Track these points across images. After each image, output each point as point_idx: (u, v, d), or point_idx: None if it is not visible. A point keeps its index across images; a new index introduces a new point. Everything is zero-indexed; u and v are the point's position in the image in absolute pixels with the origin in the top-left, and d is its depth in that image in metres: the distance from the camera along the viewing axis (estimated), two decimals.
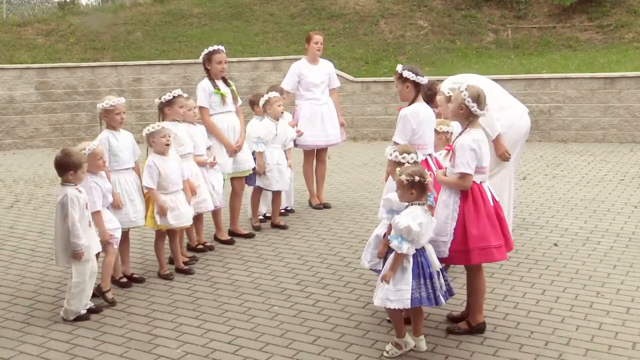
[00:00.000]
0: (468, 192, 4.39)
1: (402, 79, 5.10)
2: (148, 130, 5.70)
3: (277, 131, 7.07)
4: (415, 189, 4.12)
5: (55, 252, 4.97)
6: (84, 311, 4.99)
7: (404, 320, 4.35)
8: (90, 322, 4.91)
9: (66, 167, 4.88)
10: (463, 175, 4.34)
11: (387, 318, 4.75)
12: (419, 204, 4.16)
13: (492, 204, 4.45)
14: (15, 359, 4.41)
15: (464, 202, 4.37)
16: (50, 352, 4.49)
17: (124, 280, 5.68)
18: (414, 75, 5.06)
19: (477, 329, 4.57)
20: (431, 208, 4.21)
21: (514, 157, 6.32)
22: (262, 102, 7.07)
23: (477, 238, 4.31)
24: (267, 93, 7.11)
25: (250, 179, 7.05)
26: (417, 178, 4.10)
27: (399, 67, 5.14)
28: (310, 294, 5.39)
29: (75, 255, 4.86)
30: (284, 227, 7.20)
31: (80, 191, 4.91)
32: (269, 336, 4.62)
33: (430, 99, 5.80)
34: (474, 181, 4.39)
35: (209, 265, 6.14)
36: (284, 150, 7.21)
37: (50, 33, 15.63)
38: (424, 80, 5.13)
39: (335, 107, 8.00)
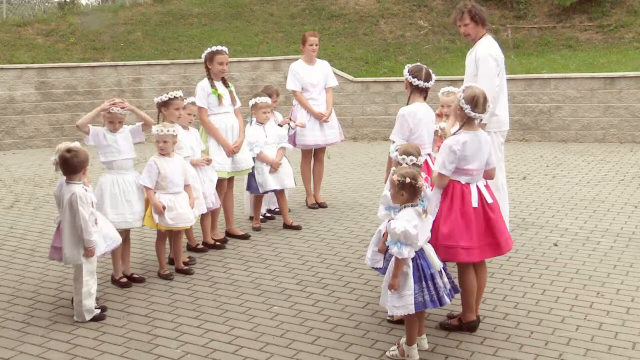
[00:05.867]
0: (447, 191, 4.44)
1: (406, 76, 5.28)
2: (156, 130, 5.74)
3: (266, 132, 7.10)
4: (405, 191, 4.09)
5: (64, 252, 4.93)
6: (97, 310, 5.00)
7: (400, 320, 4.35)
8: (90, 322, 4.91)
9: (79, 167, 4.90)
10: (438, 175, 4.42)
11: (388, 318, 4.77)
12: (412, 206, 4.13)
13: (475, 205, 4.41)
14: (15, 359, 4.41)
15: (443, 200, 4.44)
16: (50, 352, 4.49)
17: (124, 280, 5.68)
18: (410, 76, 5.25)
19: (467, 327, 4.58)
20: (424, 212, 4.17)
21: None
22: (250, 103, 7.12)
23: (444, 236, 4.35)
24: (255, 97, 7.13)
25: (248, 186, 7.10)
26: (407, 180, 4.05)
27: (407, 66, 5.32)
28: (310, 294, 5.39)
29: (87, 252, 4.88)
30: (297, 228, 7.17)
31: (86, 190, 4.92)
32: (269, 336, 4.62)
33: None
34: (458, 181, 4.43)
35: (209, 265, 6.14)
36: (278, 150, 7.16)
37: (50, 33, 15.64)
38: (421, 83, 5.20)
39: (326, 105, 8.01)
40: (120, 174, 5.62)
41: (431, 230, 4.33)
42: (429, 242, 4.30)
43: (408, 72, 5.22)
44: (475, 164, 4.44)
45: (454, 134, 4.50)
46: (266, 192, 7.19)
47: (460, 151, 4.36)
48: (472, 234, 4.39)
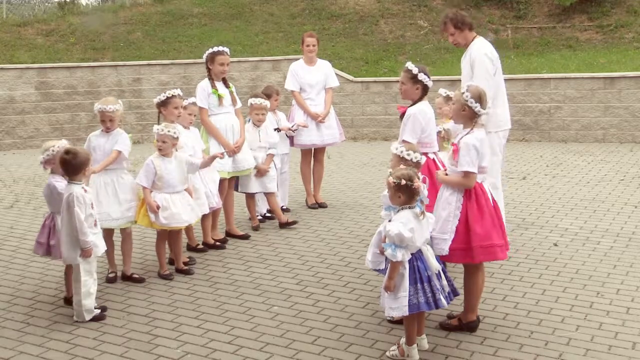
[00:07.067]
0: (471, 191, 4.40)
1: (414, 79, 5.14)
2: (156, 129, 5.74)
3: (260, 137, 7.12)
4: (402, 193, 4.08)
5: (62, 251, 4.96)
6: (97, 310, 5.00)
7: (400, 320, 4.34)
8: (90, 322, 4.91)
9: (78, 168, 4.90)
10: (467, 174, 4.35)
11: (388, 318, 4.77)
12: (409, 208, 4.12)
13: (492, 203, 4.47)
14: (15, 359, 4.41)
15: (468, 201, 4.39)
16: (50, 352, 4.49)
17: (112, 275, 5.77)
18: (427, 78, 5.15)
19: (467, 327, 4.58)
20: (422, 214, 4.16)
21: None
22: (248, 103, 7.15)
23: (480, 236, 4.33)
24: (251, 98, 7.16)
25: (235, 186, 7.12)
26: (403, 182, 4.04)
27: (413, 68, 5.14)
28: (310, 294, 5.39)
29: (84, 253, 4.88)
30: (293, 223, 7.20)
31: (86, 190, 4.93)
32: (269, 336, 4.62)
33: None
34: (476, 180, 4.41)
35: (209, 265, 6.14)
36: (267, 156, 7.16)
37: (50, 33, 15.64)
38: (431, 83, 5.19)
39: (325, 105, 8.00)
40: (109, 175, 5.62)
41: (456, 233, 4.31)
42: (451, 245, 4.30)
43: (426, 76, 5.14)
44: (486, 160, 4.47)
45: (467, 133, 4.44)
46: (245, 193, 7.23)
47: (480, 149, 4.38)
48: (498, 231, 4.43)
